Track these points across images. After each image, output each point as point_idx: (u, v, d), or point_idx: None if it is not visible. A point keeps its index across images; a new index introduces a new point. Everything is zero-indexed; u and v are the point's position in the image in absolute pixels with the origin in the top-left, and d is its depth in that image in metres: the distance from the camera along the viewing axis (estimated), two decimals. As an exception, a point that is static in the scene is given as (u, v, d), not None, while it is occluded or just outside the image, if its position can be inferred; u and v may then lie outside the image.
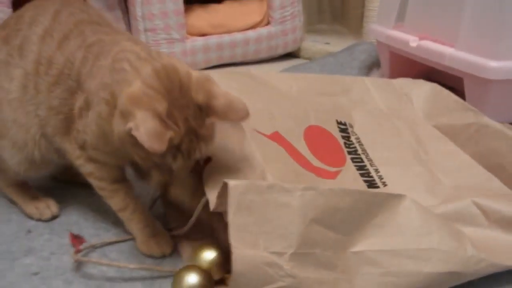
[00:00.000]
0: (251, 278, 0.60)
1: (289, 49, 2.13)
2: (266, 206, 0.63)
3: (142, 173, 0.83)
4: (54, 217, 0.93)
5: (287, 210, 0.63)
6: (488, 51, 1.23)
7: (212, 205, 0.67)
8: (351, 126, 0.93)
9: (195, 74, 0.72)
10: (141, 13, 1.84)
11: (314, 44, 2.18)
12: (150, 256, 0.82)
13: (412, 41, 1.46)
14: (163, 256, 0.82)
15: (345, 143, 0.88)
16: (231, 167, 0.74)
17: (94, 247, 0.84)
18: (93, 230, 0.89)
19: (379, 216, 0.69)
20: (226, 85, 0.79)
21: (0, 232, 0.88)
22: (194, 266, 0.71)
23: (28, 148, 0.86)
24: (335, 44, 2.15)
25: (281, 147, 0.79)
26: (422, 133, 0.96)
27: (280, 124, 0.83)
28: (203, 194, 0.71)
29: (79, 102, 0.78)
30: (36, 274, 0.78)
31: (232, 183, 0.63)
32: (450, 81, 1.33)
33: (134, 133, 0.64)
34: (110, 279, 0.77)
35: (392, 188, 0.81)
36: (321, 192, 0.66)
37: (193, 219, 0.75)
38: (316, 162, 0.80)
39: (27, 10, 0.88)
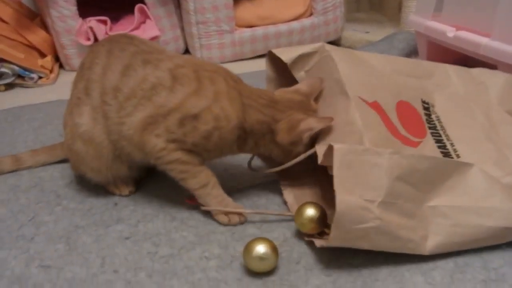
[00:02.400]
0: (349, 217, 0.76)
1: (331, 38, 2.22)
2: (361, 164, 0.81)
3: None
4: (131, 193, 1.07)
5: (377, 168, 0.81)
6: (521, 41, 1.32)
7: (320, 160, 0.86)
8: (433, 106, 1.05)
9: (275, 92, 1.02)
10: (193, 7, 1.96)
11: (354, 33, 2.26)
12: (227, 225, 0.95)
13: (449, 32, 1.54)
14: (240, 223, 0.96)
15: (426, 119, 1.01)
16: (337, 130, 0.91)
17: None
18: (171, 202, 1.03)
19: (451, 179, 0.87)
20: (340, 55, 1.01)
21: (92, 204, 1.03)
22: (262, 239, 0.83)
23: (102, 172, 1.01)
24: (374, 33, 2.23)
25: (378, 116, 0.94)
26: (495, 117, 1.07)
27: (379, 95, 0.98)
28: None
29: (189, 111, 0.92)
30: (127, 238, 0.93)
31: (336, 146, 0.80)
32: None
33: (313, 132, 0.92)
34: (190, 242, 0.91)
35: (464, 159, 0.94)
36: (404, 156, 0.83)
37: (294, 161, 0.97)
38: (403, 132, 0.95)
39: (85, 58, 1.04)
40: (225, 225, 0.95)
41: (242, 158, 1.09)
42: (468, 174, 0.87)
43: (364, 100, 0.94)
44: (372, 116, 0.92)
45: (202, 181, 0.96)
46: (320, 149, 0.89)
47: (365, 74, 1.01)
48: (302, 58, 1.07)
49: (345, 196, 0.77)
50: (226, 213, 0.95)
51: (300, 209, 0.88)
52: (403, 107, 1.00)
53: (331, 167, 0.80)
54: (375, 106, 0.95)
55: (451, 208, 0.85)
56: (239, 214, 0.96)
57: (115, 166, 1.00)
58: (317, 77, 1.01)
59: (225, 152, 0.99)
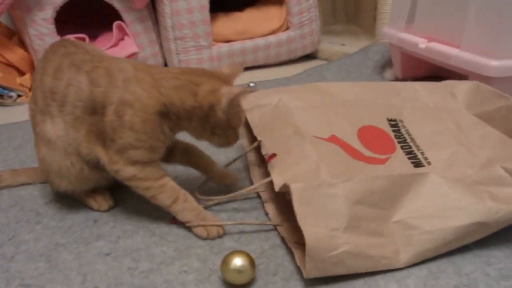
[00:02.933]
0: (319, 247, 0.80)
1: (308, 51, 2.26)
2: (319, 198, 0.85)
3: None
4: (111, 208, 1.08)
5: (334, 198, 0.85)
6: (490, 51, 1.36)
7: (276, 188, 0.92)
8: (401, 121, 1.11)
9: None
10: (171, 24, 1.99)
11: (330, 46, 2.31)
12: (207, 238, 0.96)
13: (421, 43, 1.59)
14: (219, 237, 0.97)
15: (395, 135, 1.07)
16: (291, 161, 0.96)
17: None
18: (150, 218, 1.04)
19: (410, 191, 0.90)
20: (296, 103, 1.11)
21: (72, 222, 1.04)
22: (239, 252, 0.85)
23: (65, 176, 1.01)
24: (351, 45, 2.28)
25: (336, 145, 1.00)
26: (463, 121, 1.12)
27: (336, 129, 1.04)
28: None
29: (108, 116, 0.93)
30: (108, 254, 0.93)
31: (292, 185, 0.85)
32: (457, 79, 1.42)
33: (231, 96, 0.92)
34: (170, 257, 0.92)
35: (435, 165, 0.99)
36: (357, 181, 0.87)
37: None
38: (367, 153, 1.00)
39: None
40: (203, 239, 0.96)
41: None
42: (426, 183, 0.91)
43: (319, 138, 1.01)
44: (328, 148, 0.98)
45: (172, 196, 0.97)
46: (276, 179, 0.95)
47: (322, 114, 1.09)
48: (258, 107, 1.15)
49: (311, 229, 0.81)
50: (205, 227, 0.97)
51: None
52: (366, 131, 1.06)
53: (288, 193, 0.85)
54: (333, 139, 1.01)
55: (415, 218, 0.88)
56: (218, 226, 0.97)
57: (74, 165, 1.00)
58: (238, 62, 1.06)
59: (163, 140, 0.97)
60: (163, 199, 0.97)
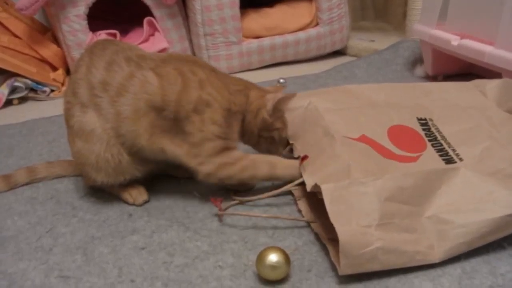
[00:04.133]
0: (353, 244, 0.80)
1: (337, 47, 2.26)
2: (350, 196, 0.87)
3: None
4: (145, 202, 1.10)
5: (366, 196, 0.87)
6: (525, 49, 1.34)
7: (308, 188, 0.95)
8: (431, 120, 1.12)
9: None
10: (201, 20, 2.00)
11: (360, 42, 2.29)
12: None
13: (453, 40, 1.57)
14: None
15: (425, 134, 1.07)
16: (322, 162, 0.98)
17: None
18: (184, 213, 1.05)
19: (441, 186, 0.91)
20: (325, 105, 1.13)
21: (107, 215, 1.06)
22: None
23: (103, 169, 1.04)
24: (380, 41, 2.26)
25: (367, 145, 1.01)
26: (495, 117, 1.13)
27: (366, 129, 1.06)
28: None
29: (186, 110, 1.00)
30: (143, 248, 0.95)
31: (323, 186, 0.87)
32: (490, 76, 1.42)
33: (276, 100, 1.06)
34: (204, 252, 0.93)
35: (467, 161, 0.99)
36: (387, 178, 0.88)
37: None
38: (398, 152, 1.00)
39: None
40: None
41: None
42: (457, 177, 0.91)
43: (349, 138, 1.02)
44: (359, 148, 1.00)
45: (266, 163, 1.05)
46: (308, 180, 0.99)
47: (351, 115, 1.11)
48: (289, 111, 1.17)
49: (343, 227, 0.82)
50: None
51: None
52: (396, 130, 1.07)
53: (320, 192, 0.87)
54: (363, 139, 1.03)
55: (448, 213, 0.87)
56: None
57: (114, 157, 1.03)
58: (279, 86, 1.16)
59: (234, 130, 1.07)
60: (262, 171, 1.04)
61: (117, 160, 1.03)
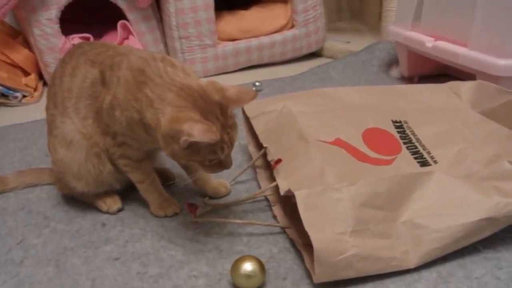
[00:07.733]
0: (328, 251, 0.80)
1: (313, 49, 2.26)
2: (324, 203, 0.86)
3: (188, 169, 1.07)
4: (119, 210, 1.08)
5: (340, 202, 0.86)
6: (498, 50, 1.35)
7: (282, 192, 0.92)
8: (406, 122, 1.12)
9: (203, 81, 0.90)
10: (176, 23, 1.98)
11: (335, 44, 2.30)
12: (164, 217, 1.05)
13: (428, 42, 1.58)
14: (175, 214, 1.05)
15: (400, 136, 1.07)
16: (296, 165, 0.96)
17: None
18: (158, 221, 1.04)
19: (416, 191, 0.90)
20: (300, 108, 1.12)
21: (80, 225, 1.04)
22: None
23: (83, 177, 1.03)
24: (355, 43, 2.27)
25: (341, 148, 1.00)
26: (469, 119, 1.13)
27: (341, 132, 1.05)
28: None
29: (105, 103, 0.95)
30: (117, 259, 0.93)
31: (297, 192, 0.86)
32: (464, 77, 1.43)
33: (191, 139, 0.79)
34: (179, 261, 0.91)
35: (442, 163, 0.99)
36: (361, 184, 0.88)
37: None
38: (373, 155, 1.00)
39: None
40: (162, 217, 1.05)
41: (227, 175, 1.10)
42: (432, 181, 0.91)
43: (324, 141, 1.01)
44: (333, 151, 0.99)
45: (138, 177, 1.04)
46: (282, 184, 0.95)
47: (326, 118, 1.10)
48: (263, 114, 1.16)
49: (317, 234, 0.81)
50: (161, 207, 1.05)
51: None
52: (370, 133, 1.06)
53: (293, 196, 0.86)
54: (338, 142, 1.02)
55: (423, 217, 0.87)
56: (174, 205, 1.06)
57: (95, 167, 1.03)
58: (252, 91, 0.91)
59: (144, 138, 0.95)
60: (134, 177, 1.04)
61: (98, 170, 1.02)
